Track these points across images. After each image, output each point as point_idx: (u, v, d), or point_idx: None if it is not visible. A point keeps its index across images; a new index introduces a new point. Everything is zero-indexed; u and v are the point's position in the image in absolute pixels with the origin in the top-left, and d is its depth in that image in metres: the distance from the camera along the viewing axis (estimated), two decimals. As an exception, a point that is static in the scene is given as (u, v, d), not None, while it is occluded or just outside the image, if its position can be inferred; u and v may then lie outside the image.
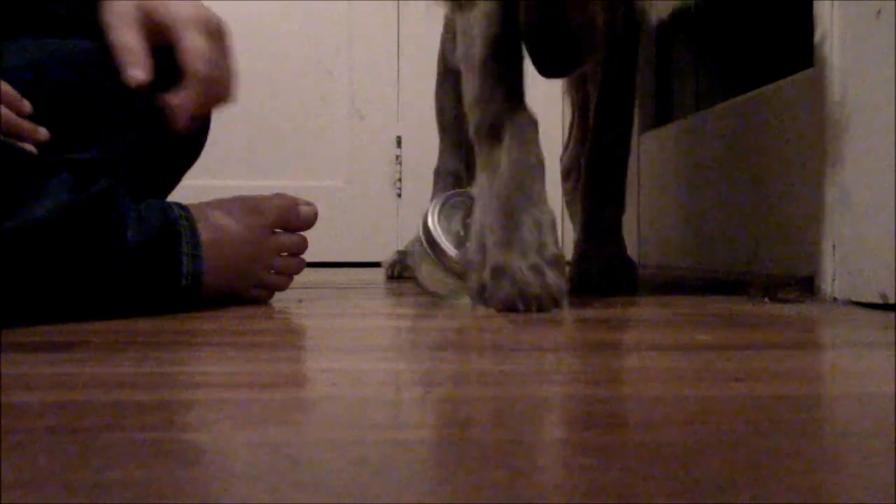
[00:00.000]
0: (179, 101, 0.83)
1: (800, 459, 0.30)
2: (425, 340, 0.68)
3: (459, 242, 0.91)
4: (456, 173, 1.55)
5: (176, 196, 0.90)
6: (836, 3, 0.91)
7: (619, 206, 1.14)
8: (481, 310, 0.82)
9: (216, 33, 0.84)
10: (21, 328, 0.66)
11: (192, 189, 1.00)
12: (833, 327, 0.73)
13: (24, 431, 0.34)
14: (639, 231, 1.76)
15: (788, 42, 1.16)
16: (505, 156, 0.86)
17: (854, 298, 0.86)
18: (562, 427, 0.37)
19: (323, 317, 0.83)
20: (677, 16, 0.91)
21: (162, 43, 0.82)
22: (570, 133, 1.68)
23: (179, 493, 0.26)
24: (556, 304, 0.81)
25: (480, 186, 0.89)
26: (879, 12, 0.83)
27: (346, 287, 1.06)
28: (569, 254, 1.14)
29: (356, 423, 0.36)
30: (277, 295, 0.93)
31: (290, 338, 0.69)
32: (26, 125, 0.74)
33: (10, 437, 0.32)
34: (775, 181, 1.15)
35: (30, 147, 0.73)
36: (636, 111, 1.22)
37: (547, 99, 1.98)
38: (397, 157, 2.21)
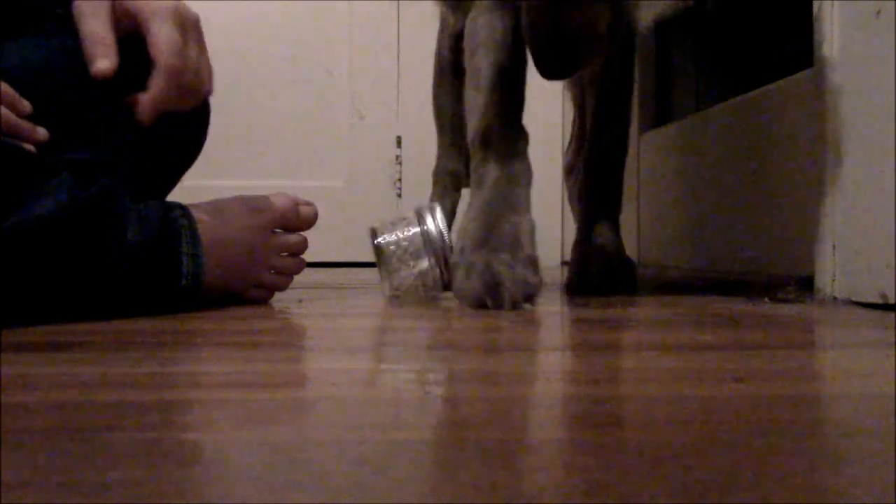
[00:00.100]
0: (147, 93, 0.80)
1: (800, 459, 0.30)
2: (425, 340, 0.68)
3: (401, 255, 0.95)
4: (455, 173, 1.55)
5: (176, 196, 0.90)
6: (836, 3, 0.91)
7: (618, 206, 1.14)
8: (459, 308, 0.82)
9: (190, 26, 0.83)
10: (21, 328, 0.66)
11: (192, 189, 1.00)
12: (833, 327, 0.73)
13: (24, 431, 0.34)
14: (639, 231, 1.76)
15: (788, 42, 1.16)
16: (493, 166, 0.90)
17: (854, 298, 0.86)
18: (562, 427, 0.37)
19: (323, 317, 0.83)
20: (677, 16, 0.91)
21: (132, 33, 0.80)
22: (572, 131, 1.68)
23: (179, 493, 0.26)
24: (528, 299, 0.83)
25: (470, 195, 0.92)
26: (879, 12, 0.83)
27: (346, 287, 1.06)
28: (569, 254, 1.14)
29: (356, 423, 0.36)
30: (277, 295, 0.93)
31: (290, 338, 0.69)
32: (26, 125, 0.74)
33: (10, 437, 0.32)
34: (775, 181, 1.15)
35: (29, 147, 0.73)
36: (636, 111, 1.22)
37: (547, 99, 1.98)
38: (397, 157, 2.21)
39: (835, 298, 0.89)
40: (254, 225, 0.87)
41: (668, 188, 1.61)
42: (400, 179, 2.21)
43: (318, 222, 0.93)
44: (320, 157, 2.19)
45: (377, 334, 0.71)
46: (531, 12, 0.81)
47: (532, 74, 0.90)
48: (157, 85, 0.80)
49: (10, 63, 0.78)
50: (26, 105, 0.75)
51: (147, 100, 0.80)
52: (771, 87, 1.16)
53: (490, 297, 0.82)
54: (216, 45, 0.90)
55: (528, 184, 0.91)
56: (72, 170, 0.74)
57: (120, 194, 0.76)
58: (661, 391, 0.43)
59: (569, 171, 1.67)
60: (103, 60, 0.77)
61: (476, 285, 0.83)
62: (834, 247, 0.90)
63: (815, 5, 0.95)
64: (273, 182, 1.93)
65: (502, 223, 0.86)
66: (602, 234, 1.11)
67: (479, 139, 0.93)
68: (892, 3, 0.81)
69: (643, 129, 1.73)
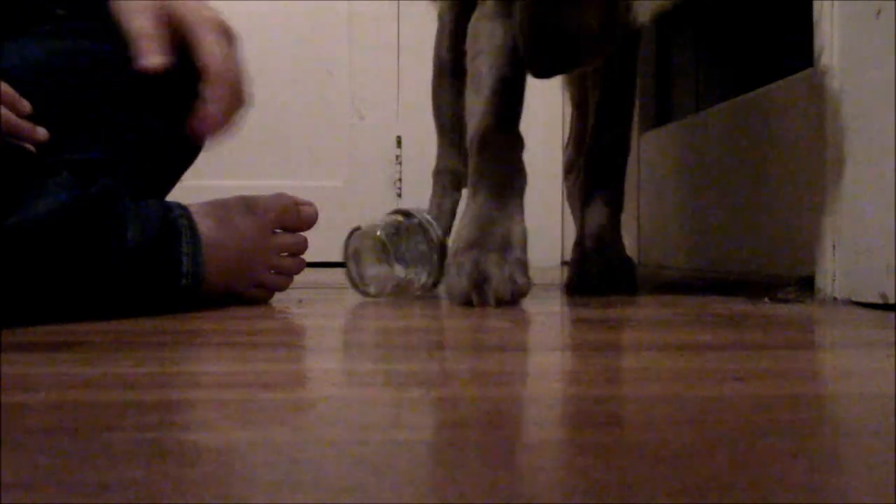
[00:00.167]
0: (206, 106, 0.79)
1: (800, 459, 0.30)
2: (425, 340, 0.68)
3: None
4: (455, 172, 1.55)
5: (176, 196, 0.89)
6: (836, 3, 0.91)
7: (619, 206, 1.14)
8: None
9: (230, 37, 0.82)
10: (21, 328, 0.66)
11: (192, 189, 1.00)
12: (833, 327, 0.73)
13: (24, 431, 0.34)
14: (639, 231, 1.76)
15: (788, 42, 1.16)
16: (488, 172, 0.92)
17: (854, 298, 0.86)
18: (562, 427, 0.37)
19: (323, 317, 0.83)
20: (677, 10, 0.91)
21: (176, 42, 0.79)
22: (570, 130, 1.68)
23: (179, 493, 0.26)
24: (515, 298, 0.85)
25: (466, 199, 0.95)
26: (879, 12, 0.83)
27: (346, 287, 1.06)
28: (569, 254, 1.14)
29: (356, 423, 0.36)
30: (277, 295, 0.93)
31: (290, 338, 0.69)
32: (25, 125, 0.74)
33: (10, 437, 0.32)
34: (775, 181, 1.15)
35: (29, 147, 0.73)
36: (636, 111, 1.22)
37: (547, 98, 1.98)
38: (397, 157, 2.21)
39: (835, 298, 0.89)
40: (254, 225, 0.87)
41: (668, 188, 1.61)
42: (400, 179, 2.21)
43: (318, 222, 0.93)
44: (320, 157, 2.19)
45: (377, 334, 0.71)
46: (525, 10, 0.81)
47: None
48: (214, 95, 0.78)
49: (10, 63, 0.78)
50: (26, 105, 0.75)
51: (210, 112, 0.78)
52: (771, 87, 1.16)
53: (476, 294, 0.84)
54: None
55: (522, 189, 0.94)
56: (72, 170, 0.74)
57: (120, 194, 0.76)
58: (661, 391, 0.43)
59: (568, 170, 1.67)
60: (154, 56, 0.76)
61: (463, 282, 0.85)
62: (834, 247, 0.90)
63: (816, 5, 0.95)
64: (273, 182, 1.92)
65: (494, 227, 0.89)
66: (603, 234, 1.11)
67: (476, 144, 0.94)
68: (892, 3, 0.81)
69: (643, 129, 1.73)
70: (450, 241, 0.96)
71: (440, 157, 1.58)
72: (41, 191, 0.70)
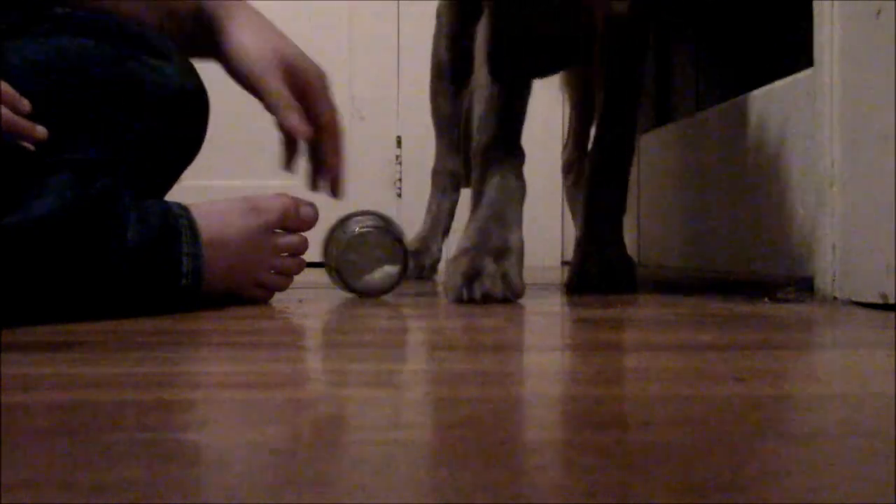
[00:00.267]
0: (331, 161, 0.89)
1: (800, 459, 0.30)
2: (425, 340, 0.68)
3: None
4: (453, 173, 1.55)
5: (176, 196, 0.89)
6: (836, 3, 0.91)
7: (621, 207, 1.14)
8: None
9: (327, 81, 0.91)
10: (21, 328, 0.66)
11: (192, 189, 1.00)
12: (833, 327, 0.73)
13: (24, 431, 0.34)
14: (639, 231, 1.76)
15: (788, 42, 1.16)
16: (490, 183, 0.98)
17: (854, 298, 0.86)
18: (562, 427, 0.37)
19: (323, 317, 0.83)
20: (677, 16, 0.91)
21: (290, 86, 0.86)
22: (569, 130, 1.68)
23: (179, 493, 0.26)
24: (507, 297, 0.88)
25: (470, 207, 1.00)
26: (879, 12, 0.83)
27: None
28: (569, 254, 1.14)
29: (356, 423, 0.36)
30: (277, 295, 0.93)
31: (290, 338, 0.69)
32: (25, 124, 0.74)
33: (10, 437, 0.32)
34: (775, 181, 1.15)
35: (29, 146, 0.73)
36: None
37: (547, 98, 1.98)
38: (397, 157, 2.21)
39: (835, 298, 0.89)
40: (254, 225, 0.87)
41: (668, 188, 1.61)
42: (400, 179, 2.21)
43: (319, 222, 0.93)
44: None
45: (377, 334, 0.71)
46: (490, 17, 0.82)
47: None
48: (333, 147, 0.89)
49: (10, 63, 0.78)
50: (26, 104, 0.75)
51: (335, 165, 0.90)
52: (771, 87, 1.16)
53: (467, 289, 0.87)
54: (216, 45, 0.90)
55: (522, 200, 0.99)
56: (72, 169, 0.74)
57: (120, 194, 0.76)
58: (661, 391, 0.43)
59: (567, 171, 1.67)
60: (302, 126, 0.86)
61: (457, 279, 0.89)
62: (834, 247, 0.90)
63: (816, 5, 0.95)
64: (273, 182, 1.93)
65: (493, 235, 0.93)
66: (604, 234, 1.11)
67: (480, 155, 1.00)
68: (892, 3, 0.81)
69: (643, 129, 1.73)
70: (447, 244, 1.02)
71: (438, 157, 1.58)
72: (41, 190, 0.70)
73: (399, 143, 2.21)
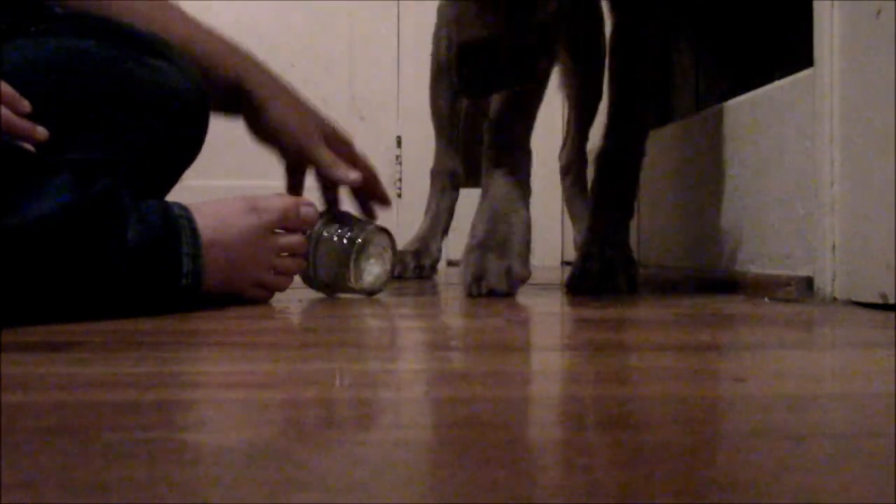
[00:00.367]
0: (386, 197, 1.05)
1: (799, 460, 0.30)
2: (425, 340, 0.68)
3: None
4: (453, 173, 1.55)
5: (176, 196, 0.89)
6: (836, 3, 0.91)
7: (629, 208, 1.13)
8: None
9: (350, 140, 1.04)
10: (21, 328, 0.66)
11: (192, 189, 1.00)
12: (833, 327, 0.73)
13: (24, 431, 0.34)
14: (639, 231, 1.76)
15: (788, 42, 1.16)
16: (496, 184, 1.04)
17: (854, 298, 0.86)
18: (562, 427, 0.37)
19: (323, 317, 0.83)
20: (677, 15, 0.91)
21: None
22: (567, 131, 1.68)
23: (179, 493, 0.26)
24: (512, 288, 0.98)
25: (479, 199, 1.07)
26: (879, 12, 0.83)
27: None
28: (569, 253, 1.14)
29: (356, 423, 0.36)
30: (277, 295, 0.93)
31: (290, 338, 0.69)
32: (26, 124, 0.74)
33: (10, 437, 0.32)
34: (775, 181, 1.15)
35: (29, 146, 0.73)
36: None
37: (547, 98, 1.98)
38: (397, 157, 2.21)
39: (835, 298, 0.89)
40: (254, 225, 0.87)
41: (668, 188, 1.61)
42: (400, 179, 2.21)
43: (318, 222, 0.93)
44: (320, 157, 2.19)
45: (377, 334, 0.71)
46: (454, 26, 0.83)
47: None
48: (379, 191, 1.03)
49: (10, 63, 0.78)
50: (26, 104, 0.75)
51: (384, 198, 1.05)
52: (771, 87, 1.16)
53: (475, 286, 0.97)
54: (216, 45, 0.90)
55: (527, 199, 1.06)
56: (72, 170, 0.74)
57: (120, 194, 0.76)
58: (661, 391, 0.43)
59: (565, 172, 1.67)
60: (353, 172, 0.98)
61: (468, 277, 0.99)
62: (834, 247, 0.90)
63: (816, 5, 0.95)
64: (273, 182, 1.93)
65: (500, 226, 1.01)
66: (606, 234, 1.10)
67: (491, 153, 1.07)
68: (892, 3, 0.81)
69: (643, 129, 1.72)
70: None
71: (438, 157, 1.58)
72: (41, 191, 0.70)
73: (399, 143, 2.21)
